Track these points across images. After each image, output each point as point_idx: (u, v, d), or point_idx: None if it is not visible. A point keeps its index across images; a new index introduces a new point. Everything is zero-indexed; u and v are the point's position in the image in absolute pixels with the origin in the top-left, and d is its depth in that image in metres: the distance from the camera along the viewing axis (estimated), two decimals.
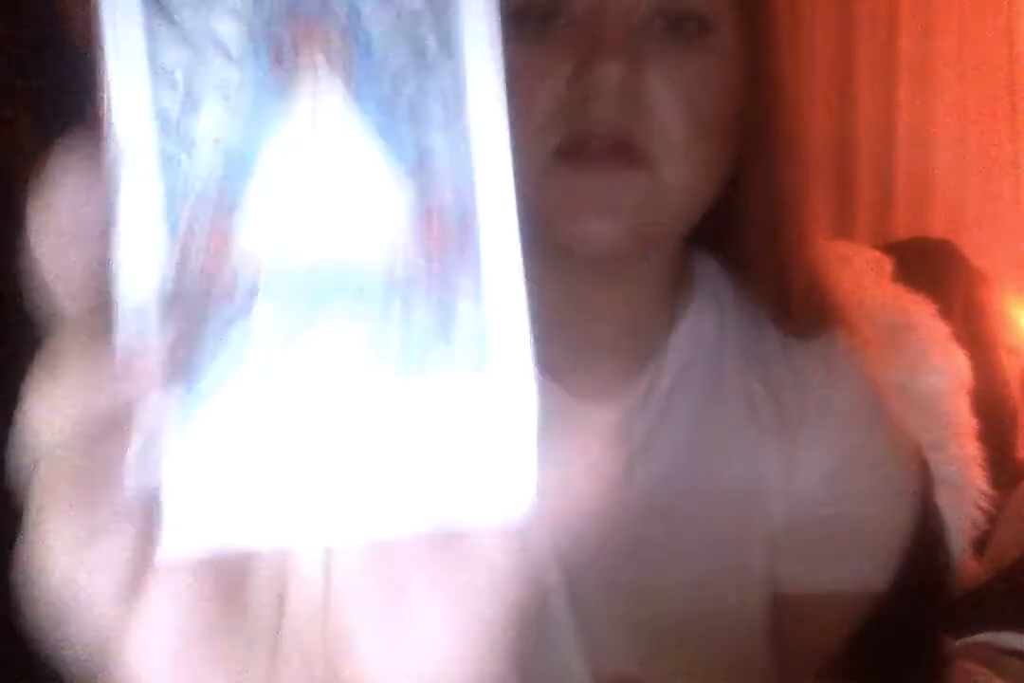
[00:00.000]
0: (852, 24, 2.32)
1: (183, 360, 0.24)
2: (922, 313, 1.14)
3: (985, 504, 1.34)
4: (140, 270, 0.24)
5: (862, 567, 0.72)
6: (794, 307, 0.70)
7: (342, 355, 0.25)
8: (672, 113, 0.61)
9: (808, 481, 0.71)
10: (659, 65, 0.61)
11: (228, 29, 0.25)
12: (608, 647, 0.66)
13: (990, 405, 1.44)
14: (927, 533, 0.76)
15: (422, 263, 0.25)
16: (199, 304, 0.24)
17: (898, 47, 2.33)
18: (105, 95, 0.24)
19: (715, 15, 0.63)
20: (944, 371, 1.26)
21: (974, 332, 1.61)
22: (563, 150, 0.61)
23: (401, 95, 0.25)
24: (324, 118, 0.25)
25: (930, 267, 1.50)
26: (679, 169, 0.62)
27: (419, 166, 0.25)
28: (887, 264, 1.26)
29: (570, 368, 0.67)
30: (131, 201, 0.24)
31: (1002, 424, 1.59)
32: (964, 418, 1.23)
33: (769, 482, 0.70)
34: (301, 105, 0.25)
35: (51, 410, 0.24)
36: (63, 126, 0.25)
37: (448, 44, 0.25)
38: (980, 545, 1.38)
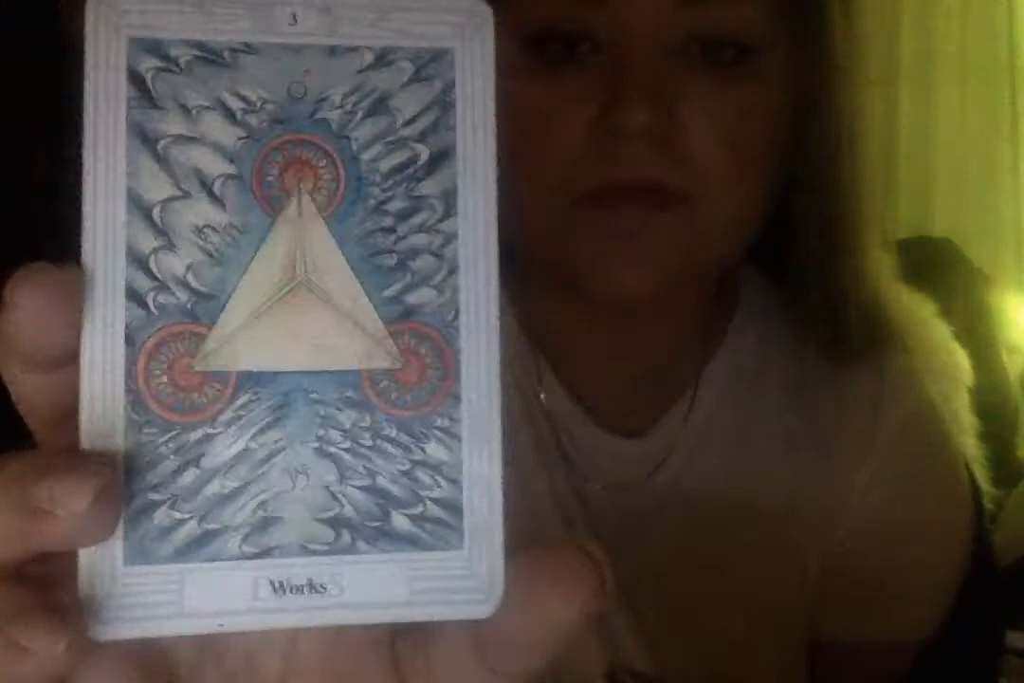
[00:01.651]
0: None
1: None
2: (922, 312, 1.14)
3: (986, 503, 1.34)
4: (101, 409, 0.23)
5: (908, 615, 0.67)
6: (848, 331, 0.65)
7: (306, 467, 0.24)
8: (711, 153, 0.55)
9: (851, 521, 0.65)
10: (695, 100, 0.55)
11: (214, 167, 0.24)
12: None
13: (990, 404, 1.44)
14: (981, 568, 0.71)
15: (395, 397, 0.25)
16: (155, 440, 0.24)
17: (898, 47, 2.33)
18: (81, 226, 0.24)
19: (757, 36, 0.56)
20: (944, 370, 1.26)
21: (974, 332, 1.61)
22: (590, 198, 0.56)
23: (391, 247, 0.25)
24: (305, 262, 0.24)
25: (931, 266, 1.50)
26: (720, 210, 0.56)
27: (401, 320, 0.25)
28: (887, 263, 1.26)
29: (604, 404, 0.65)
30: (94, 333, 0.23)
31: (1002, 423, 1.59)
32: (964, 417, 1.22)
33: (806, 518, 0.65)
34: (282, 248, 0.24)
35: None
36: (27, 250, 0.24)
37: (450, 203, 0.25)
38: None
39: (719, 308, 0.67)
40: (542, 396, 0.64)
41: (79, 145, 0.24)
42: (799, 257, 0.64)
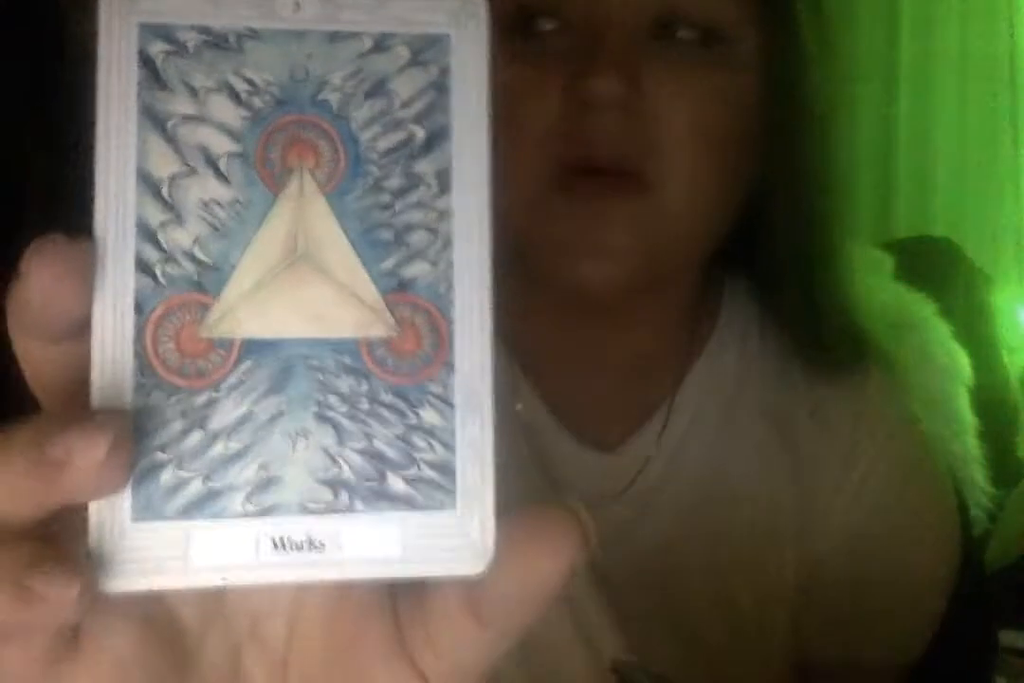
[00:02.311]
0: (852, 24, 2.32)
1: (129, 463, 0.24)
2: (923, 312, 1.14)
3: (986, 503, 1.34)
4: (111, 373, 0.24)
5: (893, 634, 0.66)
6: (826, 338, 0.64)
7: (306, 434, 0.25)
8: (677, 132, 0.55)
9: (833, 537, 0.65)
10: (663, 79, 0.55)
11: (219, 146, 0.25)
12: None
13: (990, 404, 1.44)
14: (969, 585, 0.70)
15: (392, 365, 0.26)
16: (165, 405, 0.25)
17: (898, 47, 2.34)
18: (92, 201, 0.25)
19: (731, 26, 0.57)
20: (945, 370, 1.26)
21: (974, 331, 1.61)
22: (558, 178, 0.56)
23: (388, 222, 0.26)
24: (306, 236, 0.25)
25: (931, 266, 1.50)
26: (686, 194, 0.56)
27: (397, 292, 0.26)
28: (887, 263, 1.26)
29: (580, 417, 0.64)
30: (105, 302, 0.25)
31: (1002, 423, 1.59)
32: (965, 417, 1.22)
33: (784, 534, 0.64)
34: (284, 223, 0.25)
35: None
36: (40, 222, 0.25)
37: (444, 181, 0.26)
38: (981, 544, 1.38)
39: (700, 319, 0.66)
40: (518, 407, 0.64)
41: (91, 125, 0.25)
42: (773, 261, 0.64)
